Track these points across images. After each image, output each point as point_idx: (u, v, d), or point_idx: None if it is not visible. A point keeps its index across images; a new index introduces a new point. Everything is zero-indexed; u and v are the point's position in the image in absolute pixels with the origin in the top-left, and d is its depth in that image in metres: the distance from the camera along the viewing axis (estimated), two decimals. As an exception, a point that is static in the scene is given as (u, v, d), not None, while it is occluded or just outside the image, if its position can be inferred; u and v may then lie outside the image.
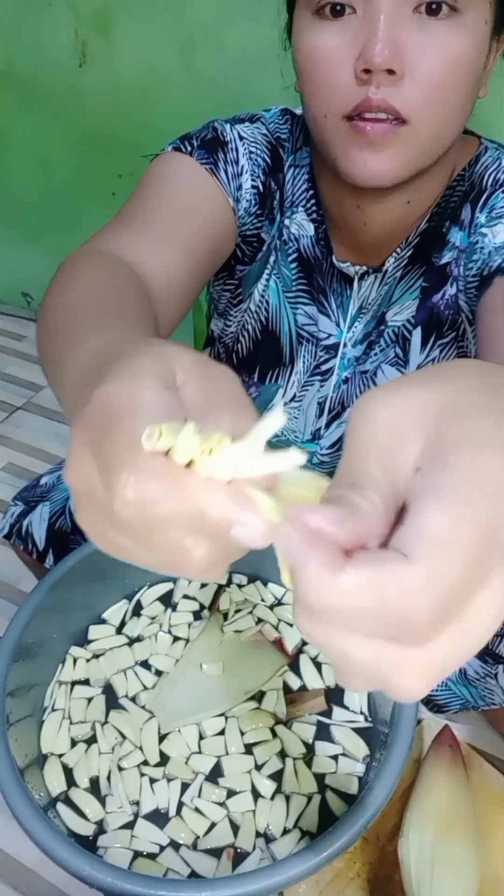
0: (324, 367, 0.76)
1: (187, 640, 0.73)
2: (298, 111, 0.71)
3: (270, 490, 0.24)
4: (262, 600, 0.77)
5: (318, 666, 0.71)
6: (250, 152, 0.67)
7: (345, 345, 0.74)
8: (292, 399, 0.79)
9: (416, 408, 0.23)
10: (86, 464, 0.26)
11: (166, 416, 0.25)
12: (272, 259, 0.72)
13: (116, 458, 0.24)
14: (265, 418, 0.24)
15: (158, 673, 0.70)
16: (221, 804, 0.61)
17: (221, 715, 0.67)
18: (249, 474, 0.23)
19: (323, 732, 0.66)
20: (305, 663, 0.71)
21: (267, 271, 0.73)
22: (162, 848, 0.59)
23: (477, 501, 0.21)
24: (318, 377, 0.77)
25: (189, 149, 0.65)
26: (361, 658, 0.22)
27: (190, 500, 0.23)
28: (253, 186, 0.68)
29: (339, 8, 0.52)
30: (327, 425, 0.79)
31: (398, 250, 0.67)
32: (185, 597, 0.77)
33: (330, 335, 0.74)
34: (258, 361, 0.78)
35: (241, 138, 0.67)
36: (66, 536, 0.80)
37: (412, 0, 0.51)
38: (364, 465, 0.23)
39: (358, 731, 0.66)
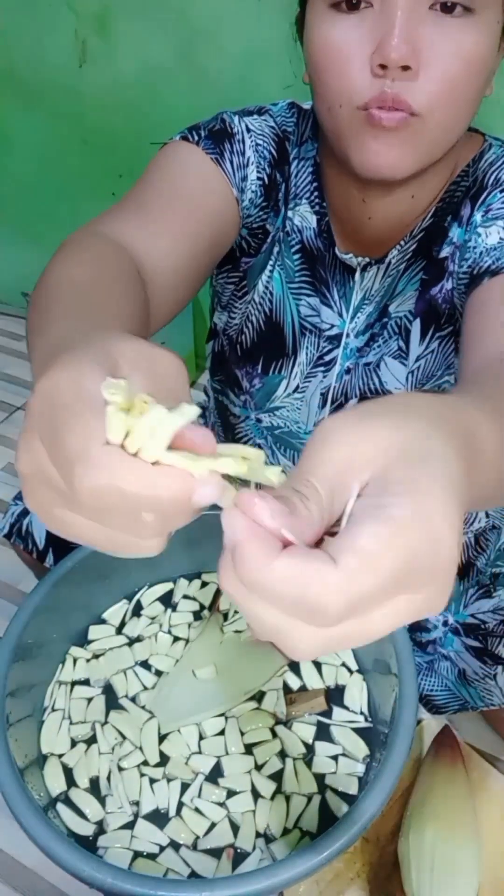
0: (327, 358, 0.76)
1: (187, 640, 0.73)
2: (305, 105, 0.71)
3: (211, 454, 0.27)
4: (262, 600, 0.77)
5: (318, 666, 0.71)
6: (257, 144, 0.68)
7: (347, 335, 0.75)
8: (296, 390, 0.79)
9: (370, 447, 0.27)
10: (35, 450, 0.28)
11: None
12: (276, 251, 0.73)
13: (71, 449, 0.26)
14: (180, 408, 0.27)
15: (158, 673, 0.70)
16: (221, 804, 0.61)
17: (221, 715, 0.67)
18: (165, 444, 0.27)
19: (323, 732, 0.66)
20: (305, 663, 0.71)
21: (270, 263, 0.73)
22: (162, 848, 0.59)
23: (408, 535, 0.24)
24: (322, 367, 0.77)
25: (196, 138, 0.66)
26: (271, 622, 0.26)
27: (143, 483, 0.26)
28: (259, 178, 0.68)
29: (355, 1, 0.53)
30: (330, 415, 0.79)
31: (402, 243, 0.68)
32: (185, 597, 0.77)
33: (332, 326, 0.75)
34: (262, 353, 0.78)
35: (248, 130, 0.68)
36: None
37: None
38: (314, 480, 0.27)
39: (358, 731, 0.66)
